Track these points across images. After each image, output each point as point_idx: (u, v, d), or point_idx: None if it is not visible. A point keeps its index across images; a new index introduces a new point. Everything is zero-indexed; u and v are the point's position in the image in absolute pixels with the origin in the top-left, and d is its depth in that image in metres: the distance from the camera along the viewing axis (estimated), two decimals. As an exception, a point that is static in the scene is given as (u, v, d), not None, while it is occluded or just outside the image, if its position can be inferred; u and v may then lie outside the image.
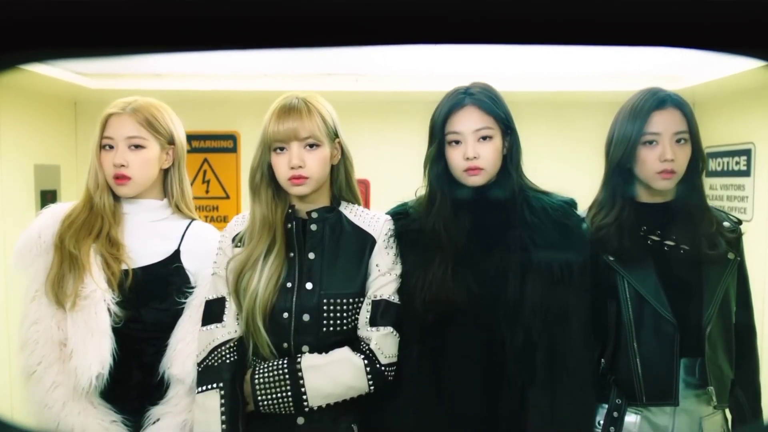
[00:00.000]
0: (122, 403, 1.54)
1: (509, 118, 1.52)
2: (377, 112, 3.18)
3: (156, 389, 1.56)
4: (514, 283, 1.46)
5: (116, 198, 1.63)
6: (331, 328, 1.46)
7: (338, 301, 1.46)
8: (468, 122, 1.48)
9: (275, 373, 1.43)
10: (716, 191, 3.00)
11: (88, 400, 1.50)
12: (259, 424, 1.46)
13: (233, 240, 1.54)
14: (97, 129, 1.61)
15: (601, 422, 1.54)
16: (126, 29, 0.62)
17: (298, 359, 1.44)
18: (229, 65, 2.86)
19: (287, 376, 1.42)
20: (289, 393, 1.42)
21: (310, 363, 1.43)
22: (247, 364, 1.49)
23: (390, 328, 1.46)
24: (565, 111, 3.16)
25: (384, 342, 1.45)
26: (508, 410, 1.45)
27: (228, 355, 1.47)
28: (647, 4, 0.61)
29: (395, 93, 3.03)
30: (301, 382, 1.42)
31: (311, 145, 1.47)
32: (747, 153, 2.81)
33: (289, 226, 1.51)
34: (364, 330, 1.47)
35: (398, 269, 1.51)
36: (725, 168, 2.95)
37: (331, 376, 1.43)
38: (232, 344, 1.48)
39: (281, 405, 1.43)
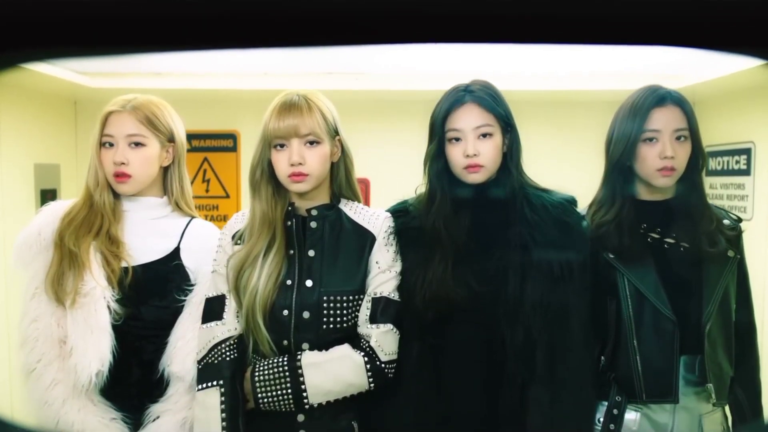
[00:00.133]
0: (122, 400, 1.54)
1: (509, 116, 1.52)
2: (377, 111, 3.18)
3: (156, 387, 1.56)
4: (514, 280, 1.46)
5: (116, 195, 1.63)
6: (331, 326, 1.46)
7: (338, 298, 1.46)
8: (468, 119, 1.48)
9: (275, 370, 1.44)
10: (716, 190, 3.00)
11: (88, 397, 1.50)
12: (259, 422, 1.46)
13: (233, 237, 1.54)
14: (97, 126, 1.61)
15: (601, 420, 1.54)
16: (126, 28, 0.62)
17: (299, 356, 1.44)
18: (230, 64, 2.86)
19: (287, 374, 1.43)
20: (290, 390, 1.42)
21: (311, 360, 1.43)
22: (247, 362, 1.49)
23: (390, 326, 1.46)
24: (565, 110, 3.16)
25: (384, 339, 1.45)
26: (508, 408, 1.45)
27: (228, 353, 1.48)
28: (647, 4, 0.61)
29: (395, 92, 3.03)
30: (302, 379, 1.42)
31: (311, 142, 1.47)
32: (747, 152, 2.80)
33: (289, 223, 1.51)
34: (364, 327, 1.47)
35: (398, 266, 1.51)
36: (725, 167, 2.95)
37: (332, 373, 1.43)
38: (232, 341, 1.49)
39: (281, 402, 1.43)
